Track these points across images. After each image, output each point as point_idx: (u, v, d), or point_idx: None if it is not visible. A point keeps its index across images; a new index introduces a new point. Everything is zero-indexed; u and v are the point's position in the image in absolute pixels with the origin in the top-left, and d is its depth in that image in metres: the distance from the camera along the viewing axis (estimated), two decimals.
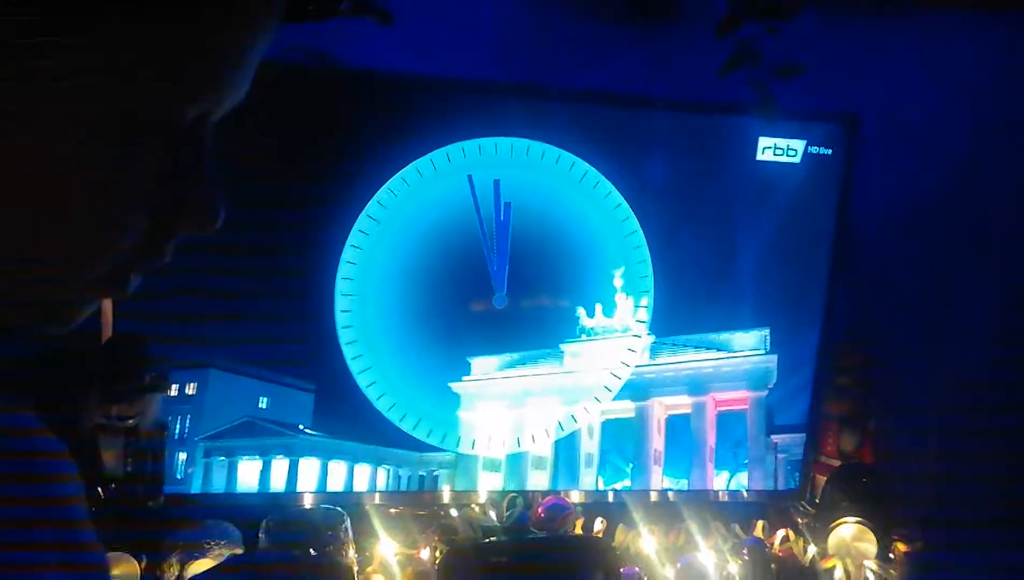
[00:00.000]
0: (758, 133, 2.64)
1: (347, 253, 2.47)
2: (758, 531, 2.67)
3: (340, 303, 2.48)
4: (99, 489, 2.14)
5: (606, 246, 2.63)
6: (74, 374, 2.12)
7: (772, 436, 2.84)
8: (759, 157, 2.66)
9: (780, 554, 2.62)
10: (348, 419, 2.54)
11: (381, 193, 2.47)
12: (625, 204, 2.61)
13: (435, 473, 2.64)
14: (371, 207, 2.47)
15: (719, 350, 2.77)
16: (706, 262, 2.71)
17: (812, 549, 2.62)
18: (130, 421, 2.19)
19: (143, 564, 2.08)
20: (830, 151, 2.69)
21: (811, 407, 2.84)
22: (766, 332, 2.78)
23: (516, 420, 2.67)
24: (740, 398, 2.81)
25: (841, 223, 2.73)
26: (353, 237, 2.47)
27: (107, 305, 2.27)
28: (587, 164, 2.57)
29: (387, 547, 2.31)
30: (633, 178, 2.59)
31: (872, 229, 2.70)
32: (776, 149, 2.66)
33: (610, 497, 2.76)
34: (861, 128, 2.65)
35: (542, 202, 2.57)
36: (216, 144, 0.58)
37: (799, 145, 2.67)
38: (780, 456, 2.85)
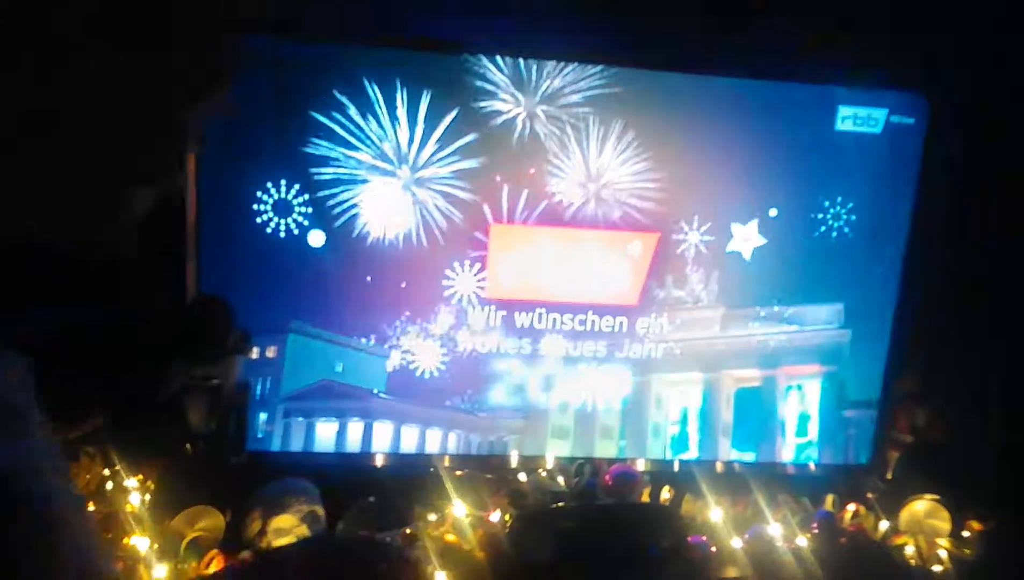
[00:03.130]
0: (838, 102, 2.57)
1: None
2: (828, 505, 2.64)
3: None
4: (187, 445, 2.24)
5: (677, 214, 2.61)
6: (161, 337, 2.20)
7: (844, 411, 2.80)
8: (838, 127, 2.59)
9: (850, 528, 2.59)
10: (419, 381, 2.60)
11: None
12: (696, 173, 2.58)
13: (504, 439, 2.67)
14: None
15: (791, 323, 2.73)
16: (780, 233, 2.66)
17: (884, 525, 2.58)
18: (214, 381, 2.27)
19: (228, 517, 2.16)
20: (913, 120, 2.61)
21: (884, 382, 2.79)
22: (840, 306, 2.73)
23: (585, 387, 2.68)
24: (811, 372, 2.78)
25: (921, 196, 2.65)
26: None
27: (191, 270, 2.35)
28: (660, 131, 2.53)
29: (458, 509, 2.35)
30: (706, 147, 2.55)
31: (952, 202, 2.62)
32: (856, 119, 2.59)
33: (676, 467, 2.76)
34: (947, 96, 2.56)
35: None
36: None
37: (880, 114, 2.60)
38: (851, 431, 2.82)
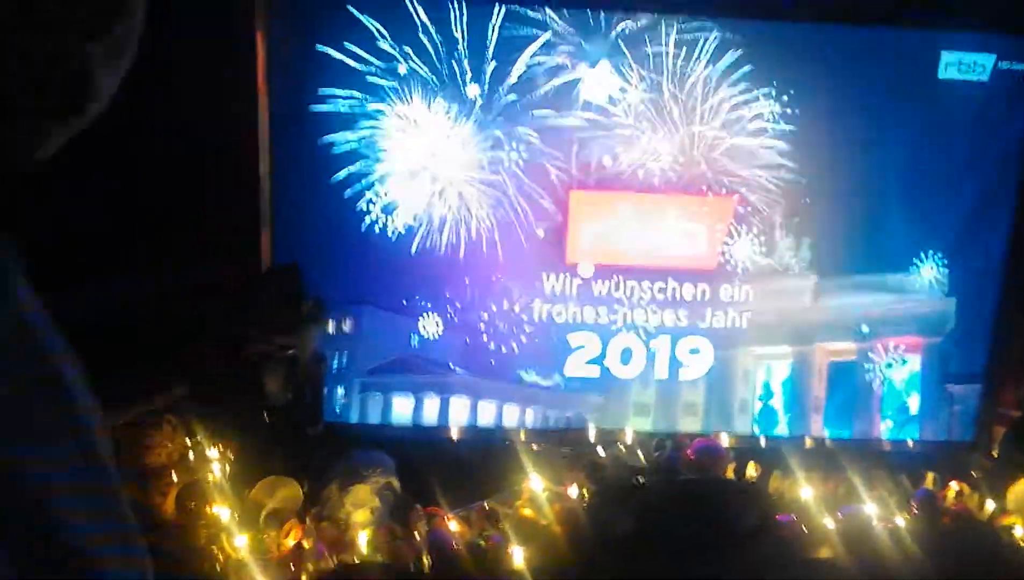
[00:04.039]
0: (940, 47, 2.38)
1: None
2: (928, 483, 2.49)
3: None
4: (264, 415, 2.24)
5: (763, 180, 2.47)
6: (237, 306, 2.21)
7: (947, 386, 2.63)
8: (941, 75, 2.40)
9: (953, 508, 2.43)
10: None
11: None
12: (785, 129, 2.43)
13: (583, 415, 2.60)
14: None
15: (890, 293, 2.56)
16: (878, 194, 2.48)
17: (990, 504, 2.42)
18: (290, 351, 2.26)
19: (306, 487, 2.17)
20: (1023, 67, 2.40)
21: (991, 354, 2.60)
22: (943, 273, 2.55)
23: (667, 360, 2.58)
24: (912, 344, 2.60)
25: None
26: None
27: (266, 240, 2.35)
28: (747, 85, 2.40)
29: (536, 483, 2.30)
30: (798, 100, 2.40)
31: None
32: (961, 66, 2.39)
33: (763, 443, 2.64)
34: None
35: None
36: None
37: (987, 61, 2.39)
38: (956, 407, 2.64)
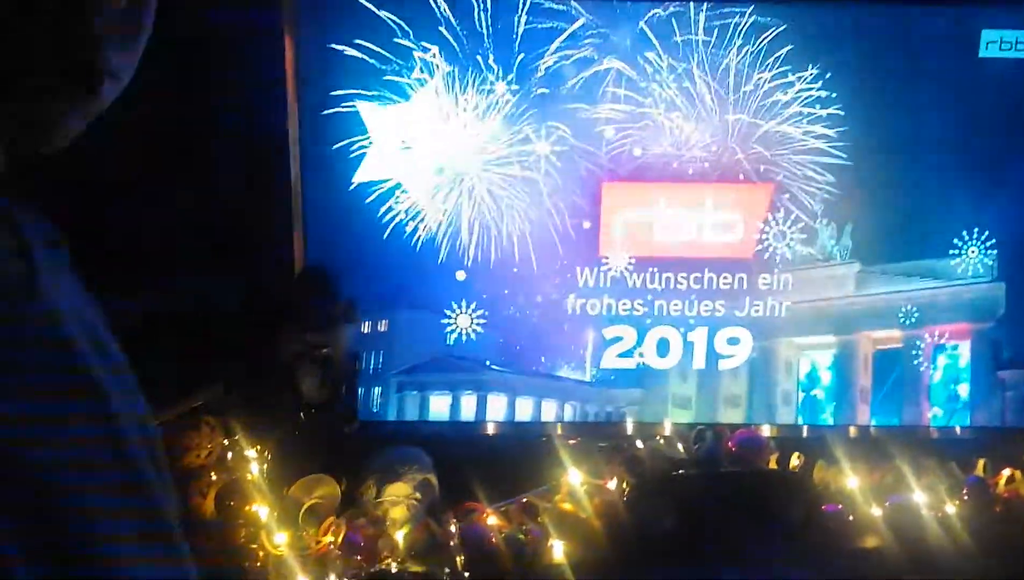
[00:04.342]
0: (981, 25, 2.31)
1: None
2: (979, 471, 2.41)
3: None
4: (300, 415, 2.25)
5: (801, 162, 2.42)
6: (270, 306, 2.22)
7: (999, 372, 2.54)
8: (982, 54, 2.33)
9: (1005, 495, 2.36)
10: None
11: None
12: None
13: (622, 410, 2.56)
14: None
15: (936, 278, 2.49)
16: (921, 177, 2.42)
17: None
18: (324, 350, 2.27)
19: (343, 485, 2.17)
20: None
21: None
22: (992, 256, 2.47)
23: (706, 352, 2.54)
24: (961, 330, 2.53)
25: None
26: None
27: (298, 241, 2.36)
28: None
29: (574, 477, 2.28)
30: (836, 83, 2.34)
31: None
32: (1003, 43, 2.32)
33: (805, 432, 2.59)
34: None
35: None
36: None
37: None
38: (1008, 394, 2.55)
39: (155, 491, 0.70)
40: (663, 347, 2.53)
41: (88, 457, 0.63)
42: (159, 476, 0.72)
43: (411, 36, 2.28)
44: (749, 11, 2.29)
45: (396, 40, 2.28)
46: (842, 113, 2.36)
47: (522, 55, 2.30)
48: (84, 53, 0.58)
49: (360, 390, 2.44)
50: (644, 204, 2.44)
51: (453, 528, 2.12)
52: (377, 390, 2.52)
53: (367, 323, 2.46)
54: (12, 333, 0.60)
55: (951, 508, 2.28)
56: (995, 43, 2.33)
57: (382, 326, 2.49)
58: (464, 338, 2.49)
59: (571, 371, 2.53)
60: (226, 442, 2.18)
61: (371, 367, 2.50)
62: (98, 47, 0.59)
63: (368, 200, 2.38)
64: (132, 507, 0.66)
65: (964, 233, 2.46)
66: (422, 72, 2.31)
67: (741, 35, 2.31)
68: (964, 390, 2.56)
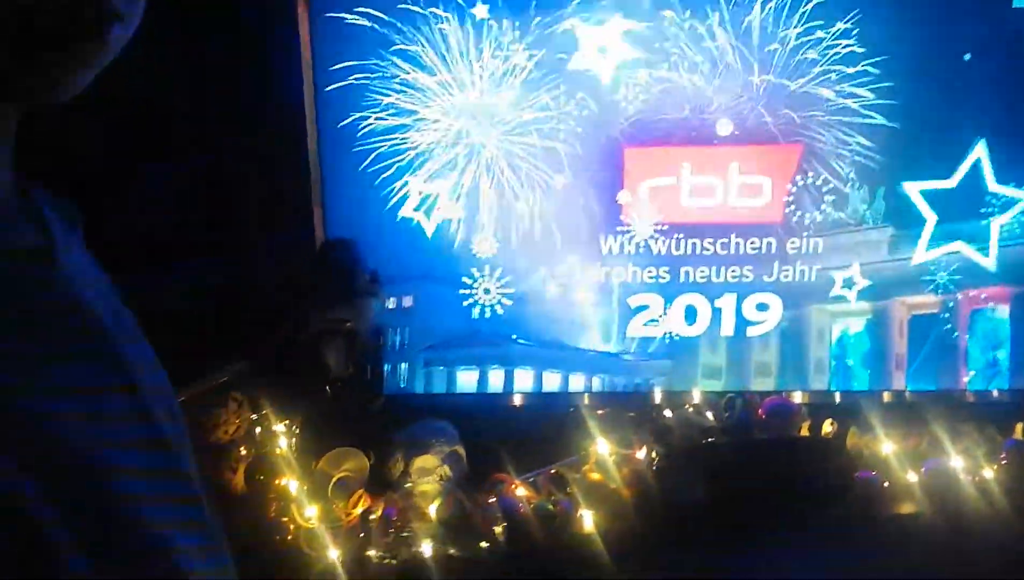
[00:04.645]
0: None
1: None
2: (1018, 434, 2.36)
3: None
4: (327, 389, 2.25)
5: (830, 125, 2.35)
6: (293, 281, 2.22)
7: None
8: (1017, 3, 2.24)
9: None
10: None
11: None
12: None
13: (651, 381, 2.53)
14: None
15: (971, 240, 2.42)
16: (953, 137, 2.34)
17: None
18: (348, 324, 2.26)
19: (372, 458, 2.18)
20: None
21: None
22: None
23: (735, 319, 2.50)
24: (999, 294, 2.45)
25: None
26: None
27: (318, 216, 2.35)
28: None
29: (602, 447, 2.26)
30: (865, 39, 2.26)
31: None
32: None
33: (838, 399, 2.54)
34: None
35: None
36: None
37: None
38: None
39: (186, 469, 0.70)
40: (690, 314, 2.49)
41: (120, 431, 0.63)
42: (184, 447, 0.72)
43: (422, 2, 2.25)
44: None
45: (408, 7, 2.25)
46: (873, 71, 2.28)
47: (538, 18, 2.25)
48: (92, 9, 0.58)
49: (386, 367, 2.43)
50: (668, 169, 2.39)
51: (493, 499, 2.12)
52: (403, 366, 2.51)
53: (391, 299, 2.45)
54: (33, 301, 0.60)
55: (989, 473, 2.23)
56: None
57: (406, 302, 2.48)
58: (489, 312, 2.47)
59: (598, 343, 2.51)
60: (254, 417, 2.20)
61: (396, 343, 2.50)
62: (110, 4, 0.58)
63: (386, 175, 2.36)
64: (168, 489, 0.66)
65: (1000, 193, 2.38)
66: (436, 40, 2.27)
67: None
68: (1003, 355, 2.50)
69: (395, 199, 2.37)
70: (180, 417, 0.73)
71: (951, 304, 2.46)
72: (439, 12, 2.24)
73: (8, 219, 0.62)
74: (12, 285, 0.58)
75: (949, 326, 2.47)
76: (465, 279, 2.45)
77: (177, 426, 0.71)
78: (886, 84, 2.29)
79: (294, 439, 2.21)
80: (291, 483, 2.08)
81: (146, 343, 0.75)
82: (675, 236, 2.44)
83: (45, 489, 0.53)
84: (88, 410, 0.60)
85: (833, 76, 2.30)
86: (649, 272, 2.45)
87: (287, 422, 2.22)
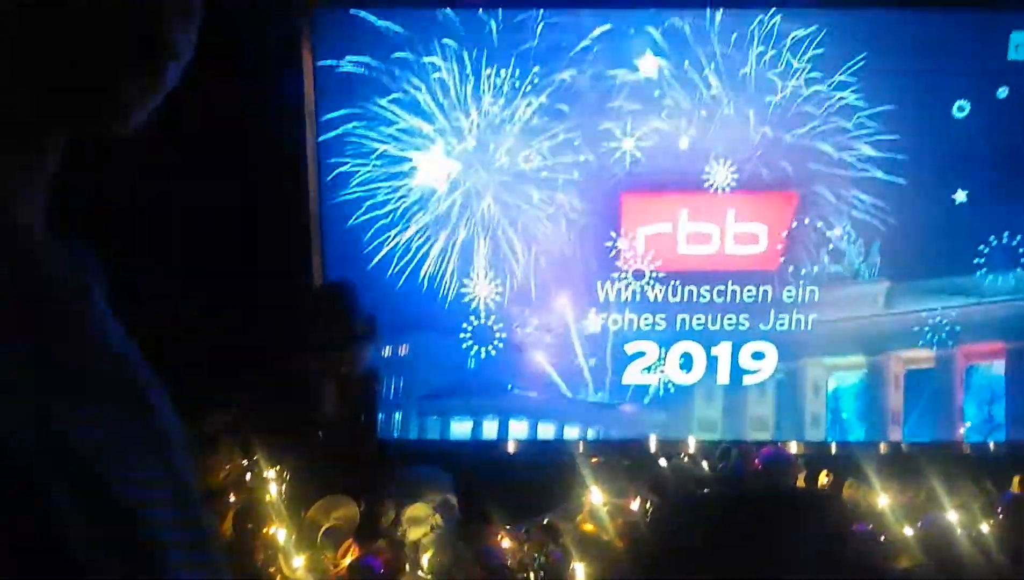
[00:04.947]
0: (1009, 27, 2.25)
1: None
2: (1015, 487, 2.34)
3: None
4: (319, 433, 2.24)
5: (827, 177, 2.36)
6: (289, 322, 2.21)
7: None
8: (1011, 56, 2.27)
9: None
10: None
11: None
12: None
13: (646, 430, 2.51)
14: None
15: (968, 295, 2.42)
16: (949, 188, 2.35)
17: None
18: (343, 368, 2.25)
19: (362, 506, 2.15)
20: None
21: None
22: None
23: (731, 370, 2.49)
24: (995, 350, 2.45)
25: None
26: None
27: (316, 260, 2.35)
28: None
29: (596, 497, 2.24)
30: (863, 91, 2.28)
31: None
32: None
33: (834, 449, 2.52)
34: None
35: None
36: None
37: None
38: None
39: (205, 521, 0.71)
40: (687, 362, 2.48)
41: (146, 472, 0.64)
42: (198, 496, 0.73)
43: (423, 52, 2.26)
44: (769, 16, 2.24)
45: (407, 57, 2.26)
46: (871, 124, 2.30)
47: (537, 67, 2.27)
48: (151, 29, 0.59)
49: (380, 415, 2.41)
50: (665, 216, 2.40)
51: (485, 549, 2.09)
52: (398, 415, 2.48)
53: (387, 347, 2.44)
54: (72, 334, 0.61)
55: (986, 527, 2.21)
56: None
57: (402, 350, 2.46)
58: (485, 362, 2.45)
59: (594, 391, 2.49)
60: (245, 462, 2.17)
61: (392, 393, 2.47)
62: (165, 24, 0.60)
63: (384, 221, 2.35)
64: (187, 529, 0.67)
65: (995, 248, 2.39)
66: (435, 89, 2.29)
67: (764, 42, 2.26)
68: (999, 412, 2.49)
69: (390, 245, 2.37)
70: (193, 464, 0.75)
71: (947, 360, 2.46)
72: (436, 61, 2.26)
73: (54, 253, 0.64)
74: (58, 315, 0.59)
75: (946, 382, 2.46)
76: (461, 328, 2.43)
77: (192, 473, 0.72)
78: (883, 138, 2.31)
79: (284, 485, 2.18)
80: (279, 531, 2.05)
81: (163, 391, 0.76)
82: (672, 283, 2.44)
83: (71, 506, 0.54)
84: (119, 457, 0.61)
85: (830, 129, 2.31)
86: (646, 319, 2.45)
87: (278, 467, 2.19)
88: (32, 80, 0.57)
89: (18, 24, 0.55)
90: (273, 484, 2.16)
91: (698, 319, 2.45)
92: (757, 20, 2.24)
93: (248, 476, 2.16)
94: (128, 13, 0.58)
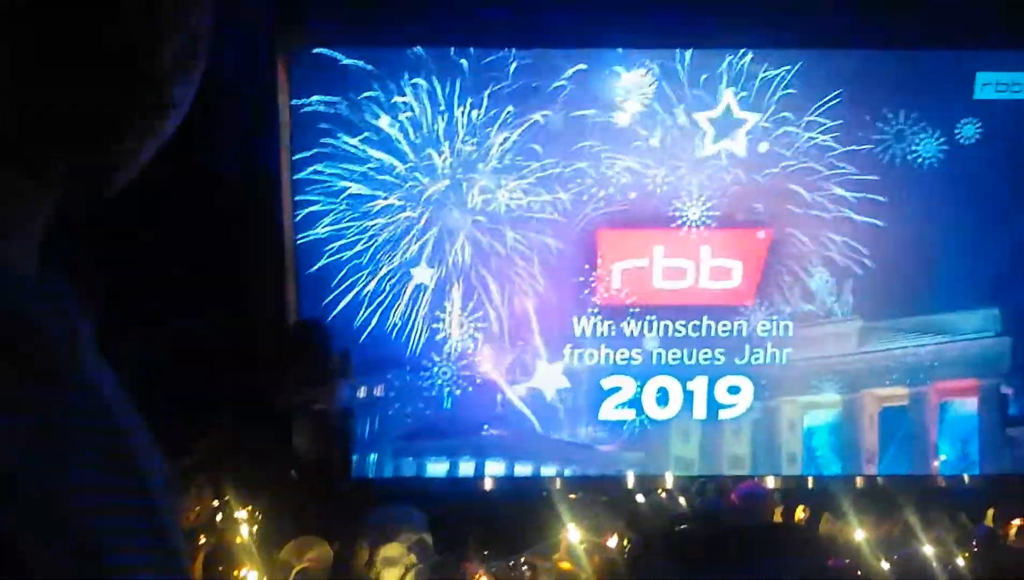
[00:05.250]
0: (975, 68, 2.30)
1: None
2: (989, 520, 2.35)
3: None
4: (292, 471, 2.20)
5: (800, 215, 2.38)
6: (264, 362, 2.18)
7: (1008, 429, 2.49)
8: (977, 96, 2.32)
9: (1017, 545, 2.29)
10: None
11: None
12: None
13: (624, 472, 2.50)
14: None
15: (940, 333, 2.45)
16: (920, 228, 2.38)
17: None
18: (317, 406, 2.22)
19: (336, 546, 2.11)
20: None
21: None
22: (995, 310, 2.44)
23: (706, 407, 2.49)
24: (968, 387, 2.48)
25: None
26: None
27: (291, 294, 2.33)
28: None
29: (573, 535, 2.22)
30: (834, 130, 2.32)
31: None
32: (999, 86, 2.31)
33: (810, 483, 2.53)
34: None
35: None
36: None
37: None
38: (1019, 452, 2.50)
39: (186, 566, 0.70)
40: (663, 397, 2.48)
41: (128, 524, 0.63)
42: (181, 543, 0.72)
43: (394, 91, 2.26)
44: (739, 57, 2.28)
45: (377, 95, 2.26)
46: (840, 165, 2.34)
47: (511, 107, 2.28)
48: (155, 87, 0.59)
49: (355, 454, 2.38)
50: (640, 251, 2.41)
51: None
52: (373, 457, 2.45)
53: (362, 388, 2.41)
54: (58, 385, 0.60)
55: (961, 561, 2.22)
56: (990, 84, 2.32)
57: (377, 391, 2.44)
58: (460, 401, 2.43)
59: (570, 427, 2.47)
60: (216, 503, 2.13)
61: (367, 433, 2.44)
62: (167, 82, 0.60)
63: (356, 261, 2.34)
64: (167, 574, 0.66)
65: (966, 286, 2.43)
66: (407, 127, 2.28)
67: (733, 82, 2.29)
68: (973, 449, 2.51)
69: (361, 286, 2.35)
70: (176, 508, 0.73)
71: (921, 397, 2.47)
72: (407, 99, 2.26)
73: (43, 295, 0.63)
74: (42, 366, 0.58)
75: (919, 419, 2.48)
76: (435, 368, 2.41)
77: (176, 518, 0.71)
78: (854, 178, 2.34)
79: (256, 526, 2.14)
80: (251, 574, 2.01)
81: (147, 431, 0.76)
82: (647, 318, 2.44)
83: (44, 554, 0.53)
84: (97, 503, 0.60)
85: (801, 169, 2.34)
86: (622, 354, 2.45)
87: (250, 508, 2.15)
88: (34, 119, 0.56)
89: (20, 69, 0.55)
90: (244, 525, 2.12)
91: (674, 354, 2.46)
92: (726, 61, 2.27)
93: (218, 517, 2.11)
94: (133, 69, 0.58)
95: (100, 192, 0.63)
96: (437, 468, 2.46)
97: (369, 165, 2.30)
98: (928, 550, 2.25)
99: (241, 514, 2.14)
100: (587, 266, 2.40)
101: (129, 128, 0.59)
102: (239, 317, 2.20)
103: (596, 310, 2.42)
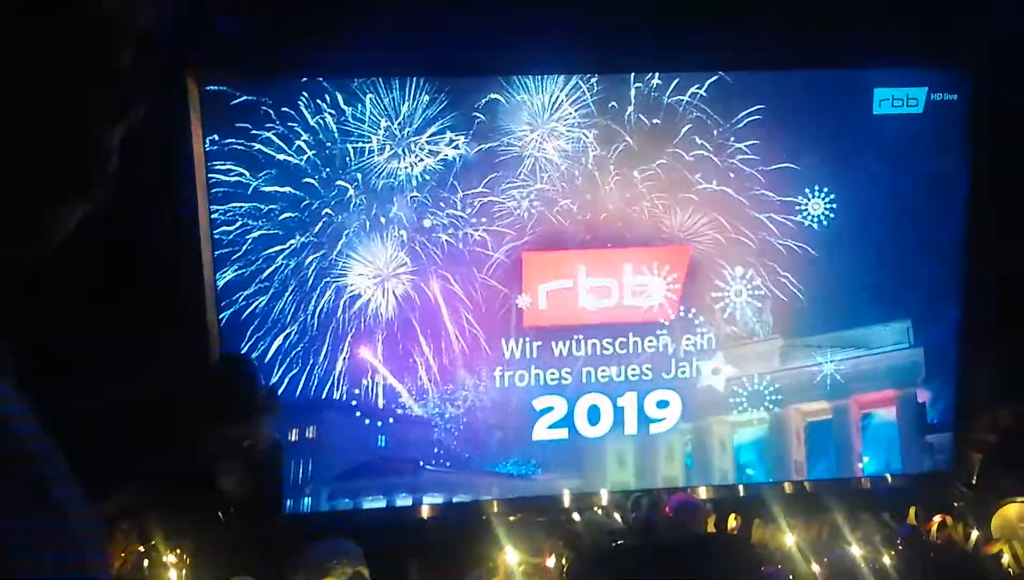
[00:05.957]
0: (872, 85, 2.42)
1: None
2: (911, 519, 2.45)
3: None
4: (220, 513, 2.16)
5: (716, 236, 2.45)
6: (188, 398, 2.13)
7: (927, 437, 2.60)
8: (876, 111, 2.44)
9: (939, 542, 2.39)
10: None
11: None
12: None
13: (560, 491, 2.51)
14: None
15: (857, 348, 2.54)
16: (828, 245, 2.47)
17: (975, 534, 2.38)
18: (245, 442, 2.18)
19: None
20: (956, 96, 2.44)
21: (961, 383, 2.57)
22: (907, 323, 2.54)
23: (640, 438, 2.54)
24: (886, 398, 2.58)
25: (977, 178, 2.47)
26: None
27: (214, 328, 2.29)
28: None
29: (511, 557, 2.22)
30: (739, 152, 2.40)
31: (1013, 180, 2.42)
32: (895, 101, 2.43)
33: (741, 491, 2.59)
34: (990, 68, 2.39)
35: None
36: None
37: (920, 94, 2.43)
38: (938, 457, 2.61)
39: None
40: (594, 415, 2.51)
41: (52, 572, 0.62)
42: None
43: (300, 123, 2.25)
44: (648, 79, 2.34)
45: (277, 130, 2.25)
46: (756, 185, 2.42)
47: (432, 129, 2.30)
48: (99, 163, 0.64)
49: (287, 492, 2.34)
50: (565, 272, 2.44)
51: None
52: (307, 500, 2.41)
53: (292, 430, 2.37)
54: None
55: (887, 559, 2.29)
56: (887, 100, 2.44)
57: (309, 433, 2.40)
58: (395, 439, 2.41)
59: (505, 450, 2.48)
60: (142, 548, 2.07)
61: (300, 475, 2.40)
62: (110, 156, 0.64)
63: (284, 294, 2.31)
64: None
65: (878, 301, 2.52)
66: (328, 157, 2.27)
67: (647, 104, 2.36)
68: (895, 456, 2.60)
69: (283, 325, 2.32)
70: (107, 552, 0.74)
71: (844, 409, 2.56)
72: (307, 137, 2.25)
73: None
74: None
75: (844, 431, 2.57)
76: (366, 407, 2.39)
77: (106, 560, 0.70)
78: (770, 198, 2.43)
79: (185, 570, 2.09)
80: None
81: (71, 478, 0.75)
82: (575, 337, 2.47)
83: None
84: (25, 548, 0.60)
85: (716, 188, 2.41)
86: (551, 374, 2.48)
87: (178, 552, 2.10)
88: None
89: None
90: (173, 570, 2.06)
91: (603, 372, 2.49)
92: (635, 84, 2.34)
93: (145, 563, 2.05)
94: (81, 148, 0.61)
95: (37, 253, 0.65)
96: (373, 504, 2.44)
97: (274, 205, 2.28)
98: (856, 550, 2.33)
99: (169, 559, 2.08)
100: (514, 288, 2.42)
101: (66, 199, 0.63)
102: (161, 355, 2.15)
103: (524, 332, 2.44)
